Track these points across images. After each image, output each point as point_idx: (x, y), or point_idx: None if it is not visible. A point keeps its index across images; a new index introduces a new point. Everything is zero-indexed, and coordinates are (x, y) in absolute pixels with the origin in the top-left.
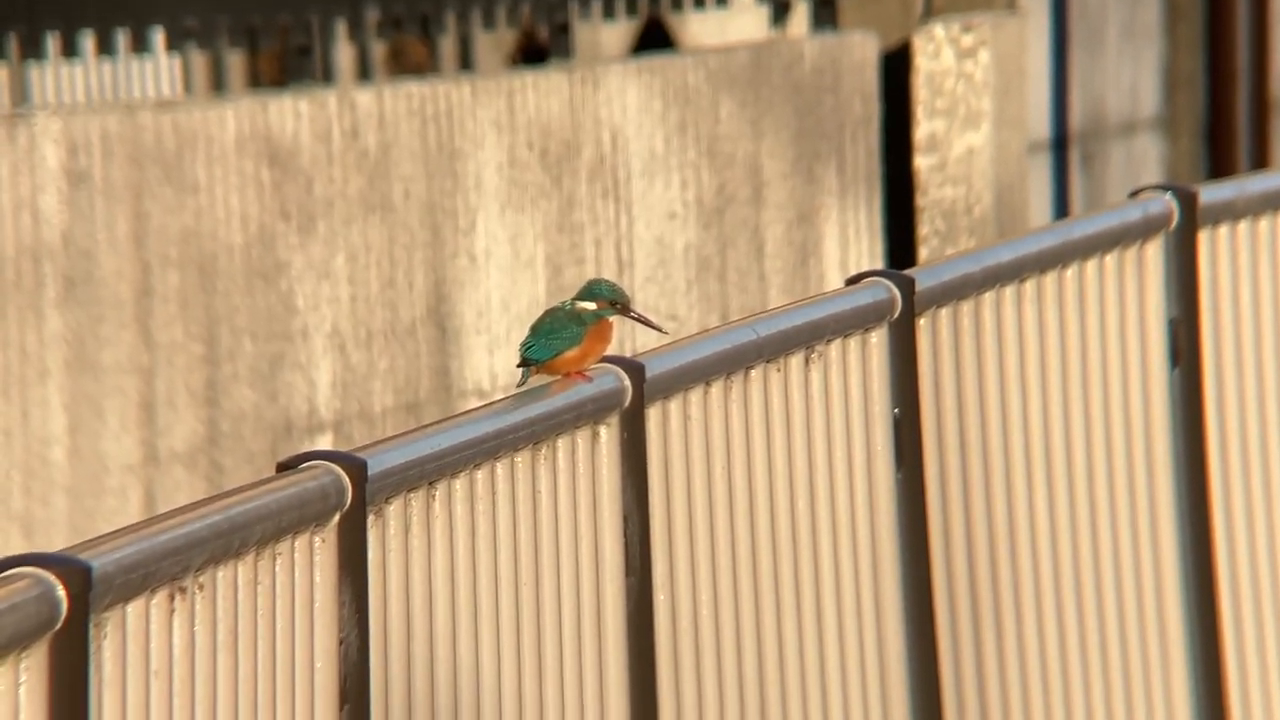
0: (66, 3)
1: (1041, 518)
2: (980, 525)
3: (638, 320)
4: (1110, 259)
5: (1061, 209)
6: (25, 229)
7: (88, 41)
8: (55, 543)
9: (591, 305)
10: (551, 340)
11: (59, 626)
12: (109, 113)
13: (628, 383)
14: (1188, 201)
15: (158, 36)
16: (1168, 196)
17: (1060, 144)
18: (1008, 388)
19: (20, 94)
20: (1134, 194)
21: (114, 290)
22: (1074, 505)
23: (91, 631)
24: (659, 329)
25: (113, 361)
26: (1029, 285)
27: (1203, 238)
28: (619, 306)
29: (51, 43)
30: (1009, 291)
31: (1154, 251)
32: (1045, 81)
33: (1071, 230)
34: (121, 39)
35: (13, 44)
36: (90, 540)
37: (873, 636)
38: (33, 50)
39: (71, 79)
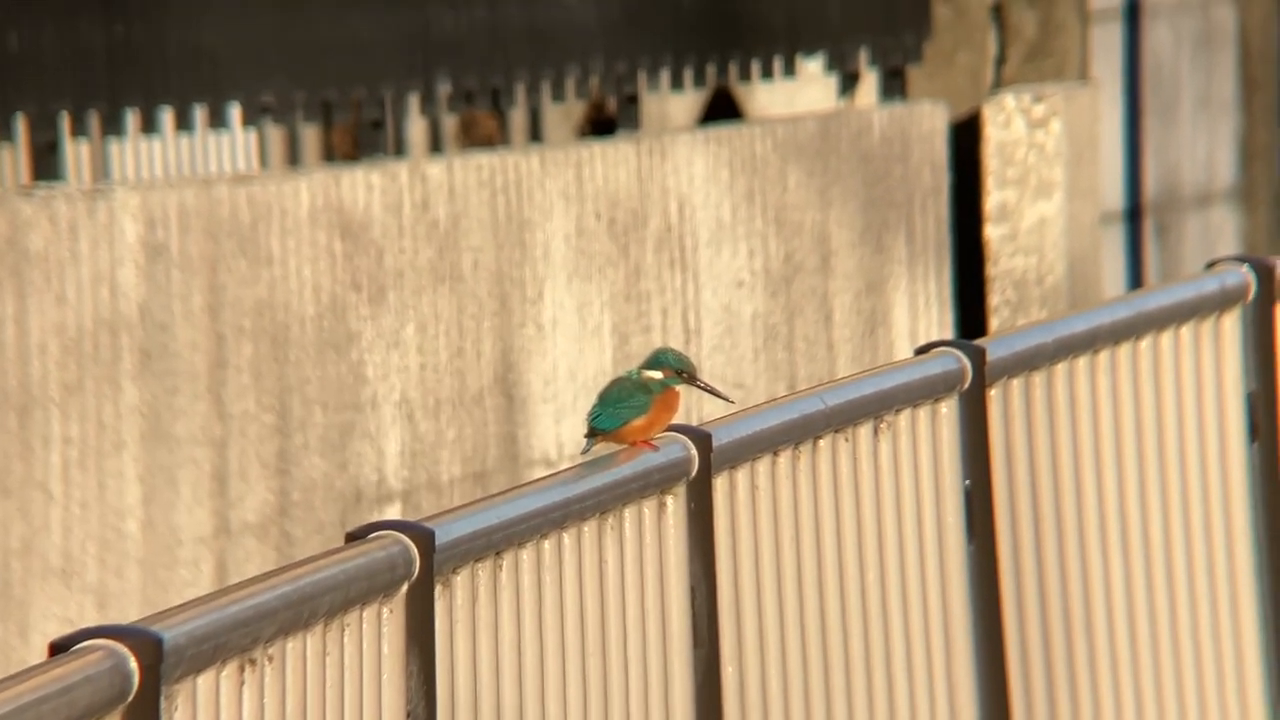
0: (146, 80)
1: (1118, 594)
2: (1055, 601)
3: (704, 389)
4: (1186, 331)
5: (1136, 280)
6: (103, 302)
7: (166, 117)
8: (129, 614)
9: (658, 374)
10: (619, 409)
11: (131, 699)
12: (186, 187)
13: (694, 452)
14: (1265, 273)
15: (234, 112)
16: (1244, 268)
17: (1134, 215)
18: (1081, 460)
19: (101, 169)
20: (1210, 265)
21: (189, 362)
22: (1151, 582)
23: (163, 704)
24: (726, 398)
25: (186, 433)
26: (1102, 356)
27: None
28: (685, 375)
29: (131, 119)
30: (1082, 363)
31: (1231, 324)
32: (1118, 152)
33: (1146, 301)
34: (199, 115)
35: (94, 120)
36: (162, 612)
37: (945, 712)
38: (113, 126)
39: (150, 154)
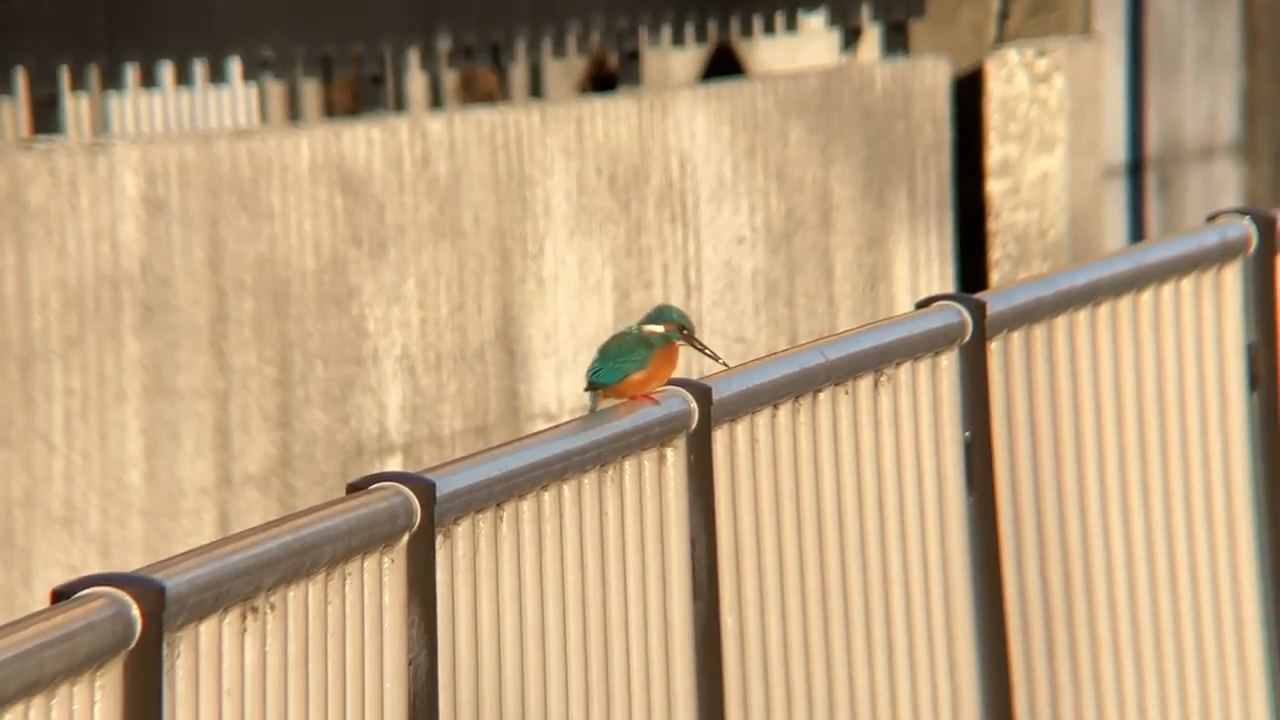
0: (146, 34)
1: (1117, 544)
2: (1054, 551)
3: (700, 349)
4: (1187, 283)
5: (1138, 234)
6: (105, 257)
7: (166, 72)
8: (132, 563)
9: (659, 328)
10: (619, 363)
11: (133, 645)
12: (186, 142)
13: (694, 405)
14: (1266, 226)
15: (234, 67)
16: (1246, 221)
17: (1136, 169)
18: (1081, 412)
19: (101, 123)
20: (1211, 218)
21: (190, 316)
22: (1150, 532)
23: (165, 650)
24: (718, 359)
25: (188, 386)
26: (1103, 309)
27: None
28: (685, 332)
29: (131, 73)
30: (1082, 315)
31: (1232, 276)
32: (1121, 106)
33: (1147, 254)
34: (199, 69)
35: (94, 75)
36: (164, 560)
37: (944, 663)
38: (113, 81)
39: (150, 109)
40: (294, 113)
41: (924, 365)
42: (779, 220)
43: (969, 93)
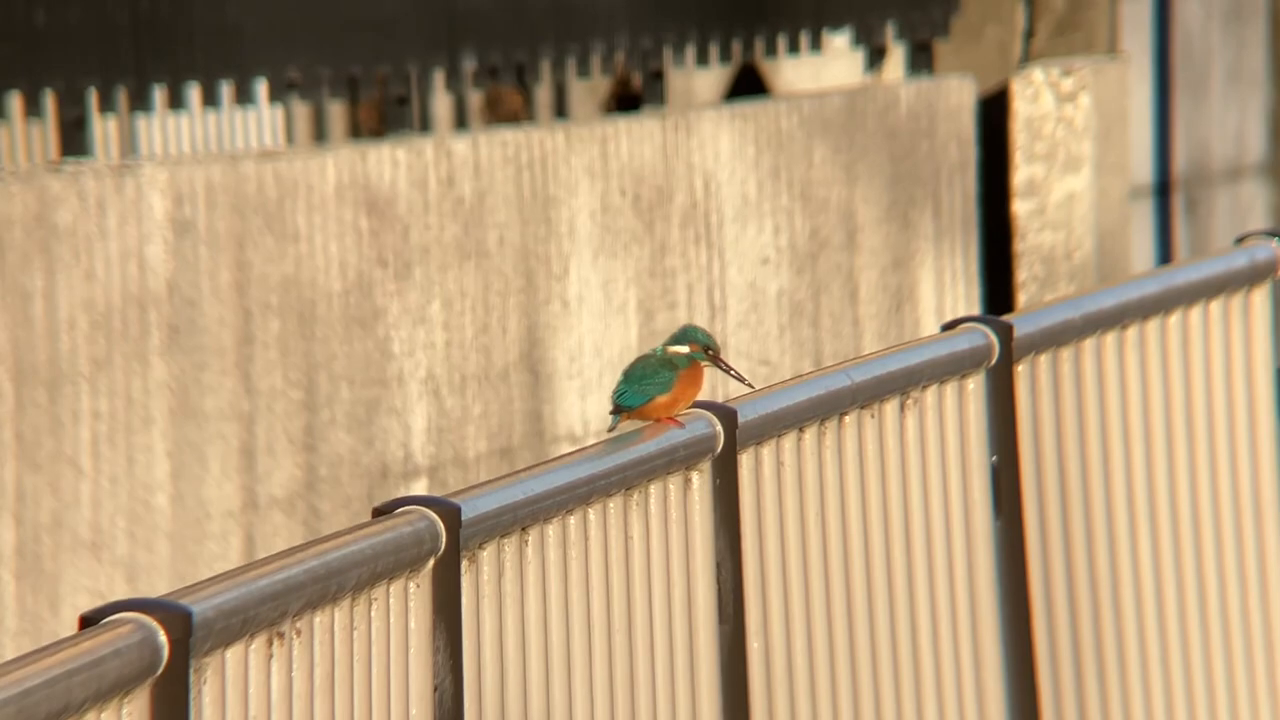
0: (173, 56)
1: (1145, 569)
2: (1082, 576)
3: (726, 370)
4: (1215, 305)
5: (1165, 255)
6: (132, 278)
7: (193, 93)
8: (158, 588)
9: (684, 349)
10: (644, 386)
11: (160, 671)
12: (213, 163)
13: (720, 428)
14: None
15: (261, 88)
16: (1274, 243)
17: (1163, 189)
18: (1109, 436)
19: (128, 145)
20: (1240, 240)
21: (216, 338)
22: (1179, 556)
23: (192, 677)
24: (744, 381)
25: (214, 408)
26: (1131, 332)
27: None
28: (711, 353)
29: (158, 95)
30: (1110, 338)
31: (1260, 298)
32: (1148, 127)
33: (1175, 276)
34: (226, 91)
35: (121, 96)
36: (191, 586)
37: (971, 688)
38: (140, 102)
39: (178, 130)
40: (320, 134)
41: (950, 388)
42: (803, 241)
43: (994, 112)
